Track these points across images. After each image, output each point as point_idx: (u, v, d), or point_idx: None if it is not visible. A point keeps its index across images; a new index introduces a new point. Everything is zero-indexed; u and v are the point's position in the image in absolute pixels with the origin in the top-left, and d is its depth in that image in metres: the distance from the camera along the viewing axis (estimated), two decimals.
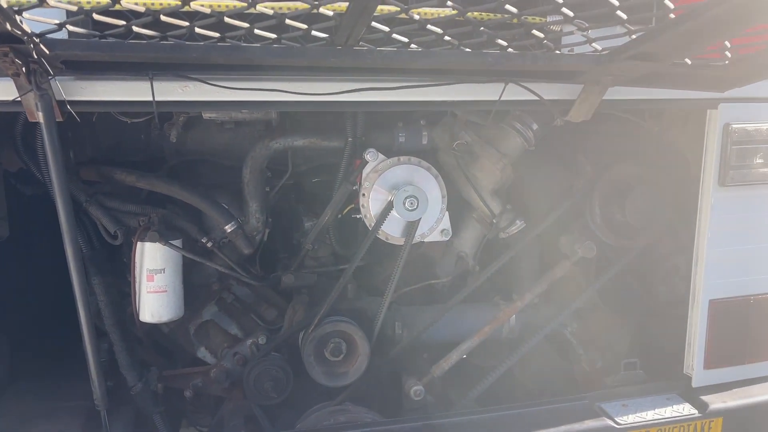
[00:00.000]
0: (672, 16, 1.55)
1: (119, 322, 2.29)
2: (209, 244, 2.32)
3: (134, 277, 2.21)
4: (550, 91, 2.02)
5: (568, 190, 2.52)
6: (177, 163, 2.43)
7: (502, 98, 1.96)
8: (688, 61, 1.89)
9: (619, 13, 1.53)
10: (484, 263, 2.57)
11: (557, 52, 1.83)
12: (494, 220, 2.46)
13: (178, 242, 2.23)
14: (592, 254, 2.43)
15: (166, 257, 2.19)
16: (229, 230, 2.31)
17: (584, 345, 2.59)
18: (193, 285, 2.43)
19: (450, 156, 2.44)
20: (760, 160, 2.20)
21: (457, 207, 2.52)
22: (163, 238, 2.17)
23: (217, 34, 1.55)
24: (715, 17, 1.50)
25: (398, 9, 1.47)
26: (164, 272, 2.19)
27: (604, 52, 1.79)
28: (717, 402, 2.27)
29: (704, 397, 2.28)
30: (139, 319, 2.25)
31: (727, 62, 1.89)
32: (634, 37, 1.67)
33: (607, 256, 2.58)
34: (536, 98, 1.99)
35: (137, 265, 2.20)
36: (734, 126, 2.16)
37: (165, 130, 2.26)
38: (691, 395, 2.30)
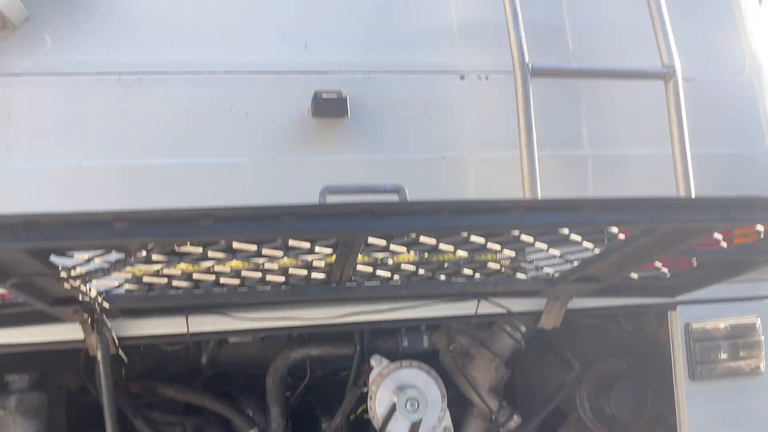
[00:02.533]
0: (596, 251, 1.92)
1: None
2: None
3: None
4: (520, 304, 2.36)
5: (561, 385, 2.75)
6: (211, 374, 2.82)
7: (478, 312, 2.32)
8: (635, 276, 2.24)
9: (552, 250, 1.91)
10: None
11: (518, 275, 2.20)
12: (493, 416, 2.69)
13: None
14: None
15: None
16: None
17: None
18: None
19: (449, 357, 2.74)
20: (724, 356, 2.42)
21: (459, 404, 2.77)
22: None
23: (237, 281, 2.00)
24: (639, 248, 1.84)
25: (371, 261, 1.90)
26: None
27: (555, 275, 2.16)
28: None
29: None
30: None
31: (668, 276, 2.22)
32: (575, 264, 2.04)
33: None
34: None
35: None
36: (694, 325, 2.42)
37: (200, 350, 2.67)
38: None
